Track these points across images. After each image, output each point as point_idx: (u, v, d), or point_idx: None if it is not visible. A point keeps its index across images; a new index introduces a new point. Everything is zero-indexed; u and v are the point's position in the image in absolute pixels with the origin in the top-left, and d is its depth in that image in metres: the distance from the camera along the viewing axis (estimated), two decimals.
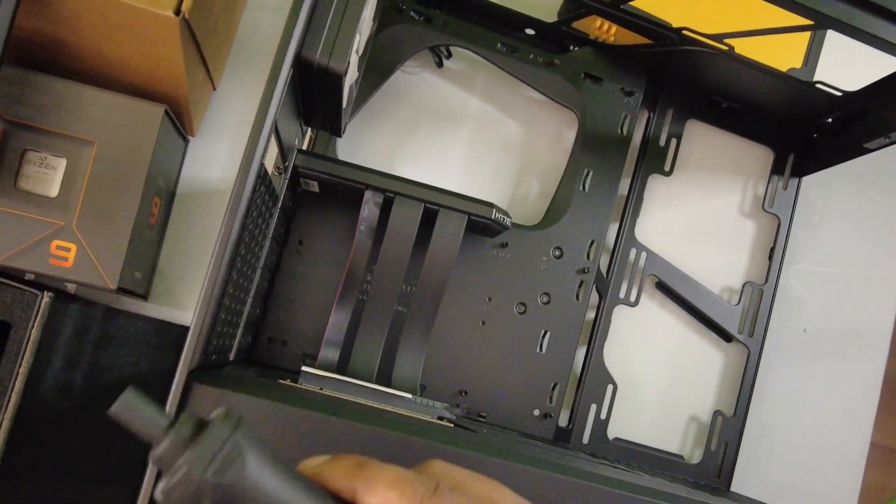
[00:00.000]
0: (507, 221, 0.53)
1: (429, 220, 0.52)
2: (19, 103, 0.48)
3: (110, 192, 0.49)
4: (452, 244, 0.52)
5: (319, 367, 0.50)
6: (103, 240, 0.49)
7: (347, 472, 0.24)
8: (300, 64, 0.41)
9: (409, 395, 0.48)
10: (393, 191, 0.51)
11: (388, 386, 0.50)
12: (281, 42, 0.38)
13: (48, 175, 0.49)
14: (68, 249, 0.49)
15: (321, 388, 0.47)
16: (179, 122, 0.55)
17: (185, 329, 0.56)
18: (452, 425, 0.46)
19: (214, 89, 0.59)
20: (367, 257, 0.51)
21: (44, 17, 0.47)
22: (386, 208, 0.51)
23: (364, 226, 0.51)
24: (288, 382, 0.46)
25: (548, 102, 0.64)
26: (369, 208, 0.51)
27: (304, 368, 0.47)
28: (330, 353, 0.51)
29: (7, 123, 0.48)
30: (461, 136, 0.64)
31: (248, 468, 0.22)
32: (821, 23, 0.50)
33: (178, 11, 0.45)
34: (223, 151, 0.60)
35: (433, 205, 0.51)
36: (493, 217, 0.52)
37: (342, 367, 0.51)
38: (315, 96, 0.46)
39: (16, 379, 0.50)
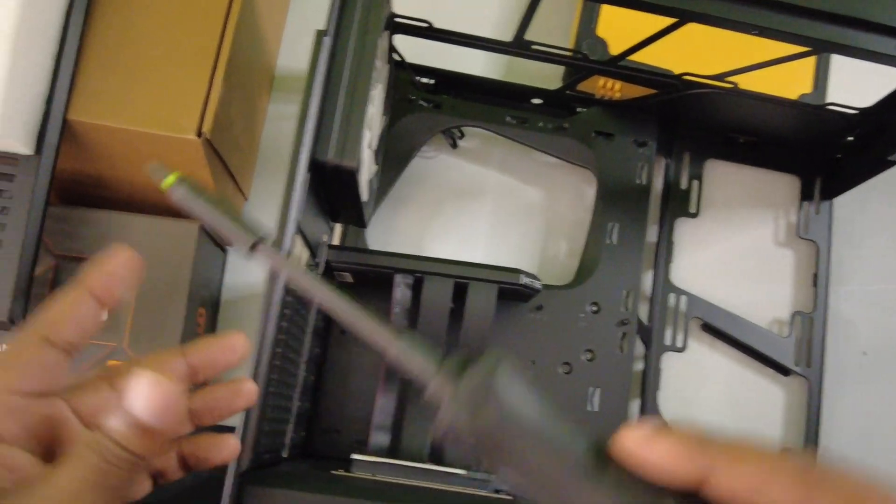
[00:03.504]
0: (537, 284, 0.54)
1: (460, 293, 0.53)
2: (68, 238, 0.52)
3: (156, 309, 0.52)
4: (485, 315, 0.52)
5: (371, 452, 0.51)
6: None
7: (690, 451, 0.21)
8: (315, 167, 0.43)
9: (462, 471, 0.48)
10: (421, 271, 0.52)
11: (441, 462, 0.50)
12: (293, 149, 0.40)
13: None
14: None
15: (373, 475, 0.47)
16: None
17: (232, 429, 0.57)
18: (511, 498, 0.46)
19: (246, 199, 0.63)
20: None
21: (80, 157, 0.51)
22: (417, 288, 0.53)
23: (398, 308, 0.53)
24: (341, 472, 0.47)
25: (564, 164, 0.66)
26: (401, 290, 0.53)
27: (354, 457, 0.47)
28: (380, 437, 0.52)
29: (58, 259, 0.52)
30: (484, 208, 0.65)
31: (503, 409, 0.22)
32: (817, 48, 0.50)
33: (199, 133, 0.48)
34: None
35: (462, 279, 0.53)
36: (521, 282, 0.53)
37: (394, 449, 0.52)
38: (335, 194, 0.49)
39: None
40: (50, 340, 0.29)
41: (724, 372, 0.65)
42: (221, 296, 0.62)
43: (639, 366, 0.63)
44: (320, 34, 0.44)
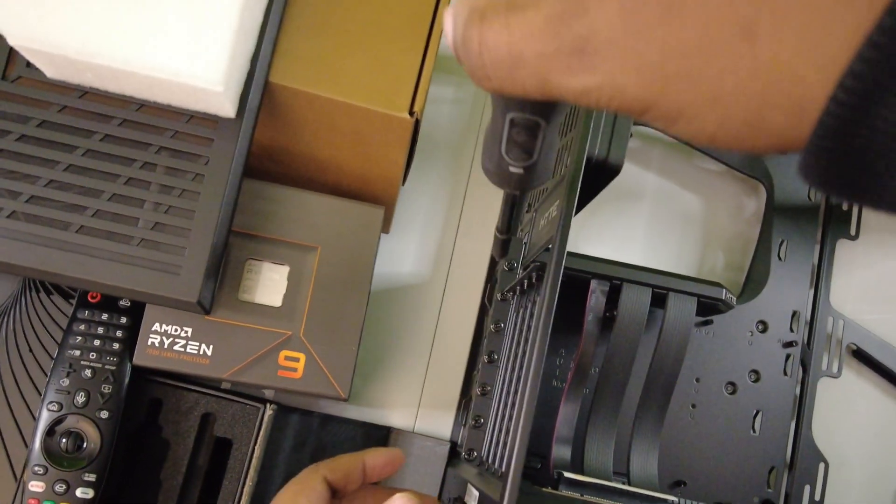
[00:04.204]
0: (734, 301, 0.51)
1: (656, 303, 0.50)
2: (240, 212, 0.47)
3: (336, 297, 0.48)
4: (685, 328, 0.49)
5: (555, 466, 0.47)
6: (332, 347, 0.47)
7: None
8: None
9: (674, 499, 0.45)
10: (620, 277, 0.49)
11: (628, 477, 0.48)
12: (579, 146, 0.36)
13: (272, 283, 0.48)
14: (297, 360, 0.47)
15: (581, 495, 0.44)
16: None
17: (388, 429, 0.54)
18: None
19: (403, 184, 0.59)
20: (595, 347, 0.49)
21: (271, 126, 0.47)
22: (611, 297, 0.50)
23: (592, 315, 0.49)
24: (549, 490, 0.43)
25: (725, 172, 0.63)
26: (596, 297, 0.49)
27: (565, 474, 0.44)
28: (562, 451, 0.49)
29: (230, 233, 0.47)
30: (642, 212, 0.62)
31: None
32: None
33: (411, 112, 0.44)
34: (413, 246, 0.59)
35: (661, 289, 0.49)
36: (723, 297, 0.50)
37: (576, 464, 0.49)
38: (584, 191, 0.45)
39: (240, 498, 0.48)
40: (329, 480, 0.41)
41: (871, 401, 0.63)
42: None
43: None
44: None
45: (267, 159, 0.50)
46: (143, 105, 0.43)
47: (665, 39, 0.15)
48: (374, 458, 0.43)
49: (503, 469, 0.38)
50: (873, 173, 0.14)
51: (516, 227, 0.39)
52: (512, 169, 0.27)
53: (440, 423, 0.57)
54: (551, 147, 0.26)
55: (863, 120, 0.13)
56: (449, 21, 0.20)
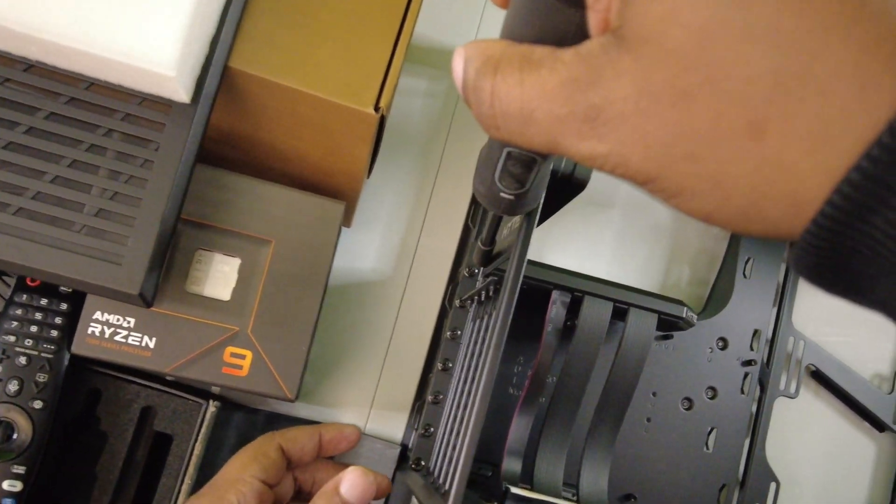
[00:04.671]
0: (695, 319, 0.51)
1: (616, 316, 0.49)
2: (193, 200, 0.45)
3: (289, 294, 0.46)
4: (644, 344, 0.49)
5: (504, 479, 0.46)
6: (281, 346, 0.46)
7: None
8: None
9: None
10: (582, 290, 0.48)
11: (578, 493, 0.47)
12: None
13: (222, 276, 0.46)
14: (243, 357, 0.45)
15: None
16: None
17: None
18: None
19: (368, 177, 0.57)
20: (552, 358, 0.48)
21: (228, 112, 0.45)
22: (572, 309, 0.48)
23: (551, 326, 0.48)
24: None
25: None
26: (557, 309, 0.48)
27: (512, 490, 0.43)
28: (512, 464, 0.48)
29: (179, 221, 0.45)
30: (610, 221, 0.61)
31: None
32: None
33: (377, 108, 0.43)
34: (375, 242, 0.57)
35: (622, 304, 0.48)
36: (684, 315, 0.49)
37: (525, 478, 0.48)
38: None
39: (177, 497, 0.46)
40: (284, 449, 0.41)
41: (824, 422, 0.64)
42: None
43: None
44: None
45: (225, 145, 0.48)
46: (92, 84, 0.40)
47: (675, 123, 0.16)
48: (331, 433, 0.44)
49: (447, 487, 0.37)
50: (862, 275, 0.15)
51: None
52: (503, 195, 0.27)
53: (392, 425, 0.55)
54: (544, 178, 0.27)
55: (856, 226, 0.14)
56: (459, 63, 0.20)
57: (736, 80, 0.15)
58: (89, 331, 0.44)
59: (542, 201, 0.31)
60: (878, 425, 0.64)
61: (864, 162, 0.14)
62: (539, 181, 0.26)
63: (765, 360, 0.60)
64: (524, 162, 0.25)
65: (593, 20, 0.18)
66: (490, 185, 0.26)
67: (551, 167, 0.29)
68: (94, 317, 0.44)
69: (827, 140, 0.14)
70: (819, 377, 0.63)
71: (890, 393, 0.63)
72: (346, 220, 0.54)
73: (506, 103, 0.18)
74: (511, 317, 0.32)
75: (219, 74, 0.41)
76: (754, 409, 0.60)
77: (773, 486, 0.59)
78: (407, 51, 0.45)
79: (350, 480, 0.38)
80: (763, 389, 0.60)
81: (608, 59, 0.16)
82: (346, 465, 0.42)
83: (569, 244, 0.60)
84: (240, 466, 0.39)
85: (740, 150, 0.15)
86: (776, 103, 0.14)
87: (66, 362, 0.45)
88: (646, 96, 0.16)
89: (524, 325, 0.51)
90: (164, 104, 0.40)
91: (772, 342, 0.61)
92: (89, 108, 0.40)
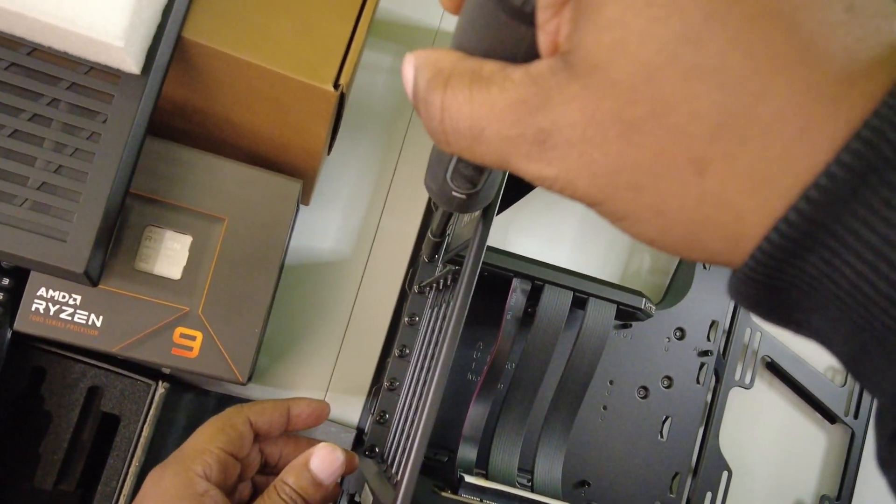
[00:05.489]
0: (653, 309, 0.51)
1: (576, 305, 0.49)
2: (143, 174, 0.44)
3: (242, 274, 0.45)
4: (602, 333, 0.48)
5: (459, 467, 0.46)
6: (233, 327, 0.45)
7: None
8: None
9: None
10: (542, 279, 0.47)
11: (532, 481, 0.47)
12: None
13: (172, 254, 0.45)
14: (193, 338, 0.44)
15: (481, 500, 0.43)
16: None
17: None
18: None
19: (328, 154, 0.55)
20: (511, 346, 0.48)
21: (182, 84, 0.43)
22: (532, 296, 0.48)
23: (511, 314, 0.48)
24: (449, 494, 0.42)
25: None
26: (517, 297, 0.48)
27: (466, 478, 0.43)
28: (468, 452, 0.48)
29: (129, 196, 0.44)
30: (574, 208, 0.61)
31: None
32: None
33: (336, 85, 0.41)
34: (335, 221, 0.56)
35: (582, 293, 0.48)
36: (642, 306, 0.49)
37: (481, 464, 0.48)
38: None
39: (125, 479, 0.45)
40: (251, 422, 0.40)
41: (778, 413, 0.64)
42: (285, 260, 0.55)
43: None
44: None
45: (178, 118, 0.46)
46: (35, 49, 0.38)
47: (620, 154, 0.16)
48: (300, 407, 0.42)
49: (399, 477, 0.36)
50: (797, 308, 0.15)
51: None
52: (455, 194, 0.26)
53: (349, 409, 0.55)
54: (496, 178, 0.26)
55: (792, 263, 0.14)
56: (409, 72, 0.20)
57: (680, 115, 0.15)
58: (33, 308, 0.42)
59: (498, 197, 0.30)
60: (830, 417, 0.65)
61: (802, 203, 0.14)
62: (491, 182, 0.26)
63: (721, 350, 0.61)
64: (476, 165, 0.24)
65: (543, 41, 0.18)
66: (442, 184, 0.26)
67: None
68: (39, 293, 0.42)
69: (767, 181, 0.14)
70: (774, 369, 0.63)
71: (843, 385, 0.64)
72: (305, 197, 0.53)
73: (455, 120, 0.18)
74: (466, 313, 0.31)
75: (171, 45, 0.39)
76: (709, 398, 0.60)
77: (725, 474, 0.60)
78: (370, 25, 0.43)
79: (320, 456, 0.37)
80: (718, 380, 0.60)
81: (556, 84, 0.16)
82: (313, 441, 0.42)
83: (533, 230, 0.60)
84: (206, 438, 0.38)
85: (682, 184, 0.15)
86: (719, 141, 0.14)
87: (7, 339, 0.43)
88: (592, 125, 0.16)
89: (484, 310, 0.51)
90: (112, 74, 0.39)
91: (728, 333, 0.61)
92: (32, 74, 0.38)
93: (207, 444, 0.37)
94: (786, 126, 0.14)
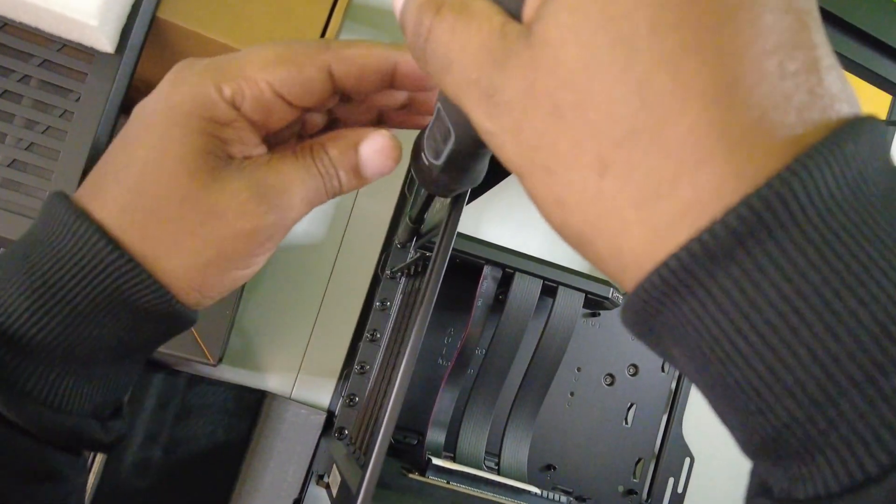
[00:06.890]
0: (620, 298, 0.52)
1: (545, 293, 0.49)
2: None
3: None
4: (570, 321, 0.49)
5: (427, 450, 0.47)
6: (205, 309, 0.45)
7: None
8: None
9: (537, 490, 0.45)
10: (513, 267, 0.48)
11: (499, 465, 0.48)
12: None
13: None
14: None
15: (448, 482, 0.44)
16: None
17: (263, 393, 0.52)
18: None
19: None
20: (482, 332, 0.49)
21: (157, 64, 0.43)
22: (503, 284, 0.49)
23: (481, 301, 0.48)
24: (416, 476, 0.43)
25: None
26: (487, 284, 0.48)
27: (434, 461, 0.43)
28: (436, 435, 0.48)
29: None
30: None
31: None
32: None
33: None
34: None
35: (551, 282, 0.49)
36: (609, 296, 0.50)
37: (449, 447, 0.49)
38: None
39: (93, 460, 0.45)
40: (330, 71, 0.26)
41: None
42: None
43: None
44: None
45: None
46: (6, 24, 0.38)
47: (543, 133, 0.16)
48: (411, 65, 0.27)
49: (366, 458, 0.37)
50: (662, 338, 0.16)
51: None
52: (423, 156, 0.26)
53: (320, 391, 0.55)
54: (463, 168, 0.25)
55: (667, 306, 0.15)
56: None
57: (600, 113, 0.15)
58: None
59: (469, 187, 0.30)
60: None
61: (683, 253, 0.14)
62: (454, 166, 0.25)
63: None
64: (443, 131, 0.24)
65: (528, 3, 0.18)
66: (418, 141, 0.26)
67: (475, 160, 0.27)
68: None
69: (654, 197, 0.15)
70: None
71: None
72: None
73: (435, 45, 0.19)
74: (436, 296, 0.32)
75: (146, 25, 0.39)
76: (673, 386, 0.62)
77: (687, 461, 0.62)
78: (347, 9, 0.43)
79: (376, 144, 0.27)
80: None
81: (516, 48, 0.17)
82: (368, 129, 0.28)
83: (506, 218, 0.60)
84: (259, 62, 0.25)
85: (584, 180, 0.16)
86: (625, 147, 0.15)
87: None
88: (529, 97, 0.16)
89: (456, 297, 0.51)
90: (86, 53, 0.38)
91: None
92: (2, 50, 0.38)
93: (256, 70, 0.25)
94: (685, 153, 0.14)
